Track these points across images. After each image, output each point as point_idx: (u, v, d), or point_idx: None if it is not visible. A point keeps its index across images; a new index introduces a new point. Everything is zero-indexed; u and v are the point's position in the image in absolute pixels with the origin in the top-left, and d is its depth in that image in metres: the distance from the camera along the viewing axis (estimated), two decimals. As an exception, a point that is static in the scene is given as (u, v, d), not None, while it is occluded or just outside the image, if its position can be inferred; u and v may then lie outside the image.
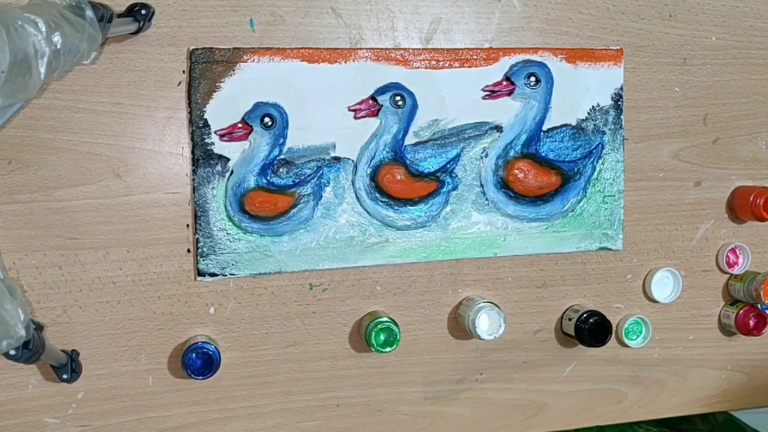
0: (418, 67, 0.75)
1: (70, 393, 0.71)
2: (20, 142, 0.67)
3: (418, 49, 0.75)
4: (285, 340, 0.76)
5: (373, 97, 0.74)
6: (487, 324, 0.76)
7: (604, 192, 0.82)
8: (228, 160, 0.71)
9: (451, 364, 0.81)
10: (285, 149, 0.73)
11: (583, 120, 0.80)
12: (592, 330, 0.80)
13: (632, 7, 0.82)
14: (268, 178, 0.73)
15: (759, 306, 0.87)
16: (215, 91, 0.70)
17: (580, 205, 0.82)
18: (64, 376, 0.68)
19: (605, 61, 0.80)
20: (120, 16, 0.65)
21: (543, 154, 0.80)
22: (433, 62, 0.76)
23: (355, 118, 0.74)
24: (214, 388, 0.74)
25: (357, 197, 0.75)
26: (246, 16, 0.71)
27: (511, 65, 0.78)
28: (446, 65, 0.76)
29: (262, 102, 0.71)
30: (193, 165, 0.71)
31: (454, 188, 0.78)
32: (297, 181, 0.73)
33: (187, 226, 0.72)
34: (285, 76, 0.72)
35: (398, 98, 0.75)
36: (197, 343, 0.70)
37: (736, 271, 0.88)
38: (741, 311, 0.87)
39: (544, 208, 0.80)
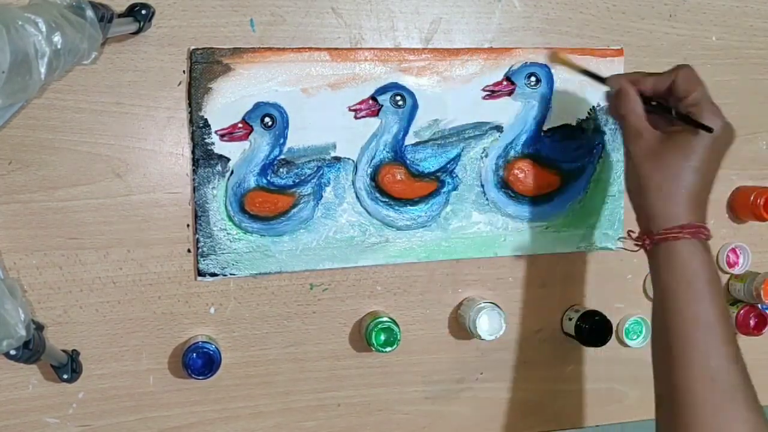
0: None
1: (70, 393, 0.70)
2: (20, 142, 0.67)
3: (419, 48, 0.75)
4: (285, 340, 0.76)
5: (373, 97, 0.74)
6: (487, 324, 0.76)
7: (604, 192, 0.82)
8: (228, 160, 0.71)
9: (451, 364, 0.81)
10: (285, 149, 0.73)
11: (583, 120, 0.80)
12: (592, 330, 0.80)
13: (632, 7, 0.82)
14: (269, 178, 0.73)
15: (759, 306, 0.87)
16: (215, 91, 0.70)
17: (581, 205, 0.81)
18: (65, 376, 0.68)
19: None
20: (120, 16, 0.65)
21: (543, 154, 0.80)
22: (434, 62, 0.76)
23: (356, 118, 0.74)
24: (214, 387, 0.74)
25: (357, 197, 0.75)
26: (246, 16, 0.71)
27: (511, 65, 0.78)
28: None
29: (262, 102, 0.71)
30: (193, 165, 0.71)
31: (455, 188, 0.78)
32: (297, 181, 0.73)
33: (188, 226, 0.72)
34: (285, 76, 0.72)
35: (398, 98, 0.75)
36: (198, 342, 0.70)
37: (736, 271, 0.88)
38: (741, 311, 0.87)
39: (544, 208, 0.80)
